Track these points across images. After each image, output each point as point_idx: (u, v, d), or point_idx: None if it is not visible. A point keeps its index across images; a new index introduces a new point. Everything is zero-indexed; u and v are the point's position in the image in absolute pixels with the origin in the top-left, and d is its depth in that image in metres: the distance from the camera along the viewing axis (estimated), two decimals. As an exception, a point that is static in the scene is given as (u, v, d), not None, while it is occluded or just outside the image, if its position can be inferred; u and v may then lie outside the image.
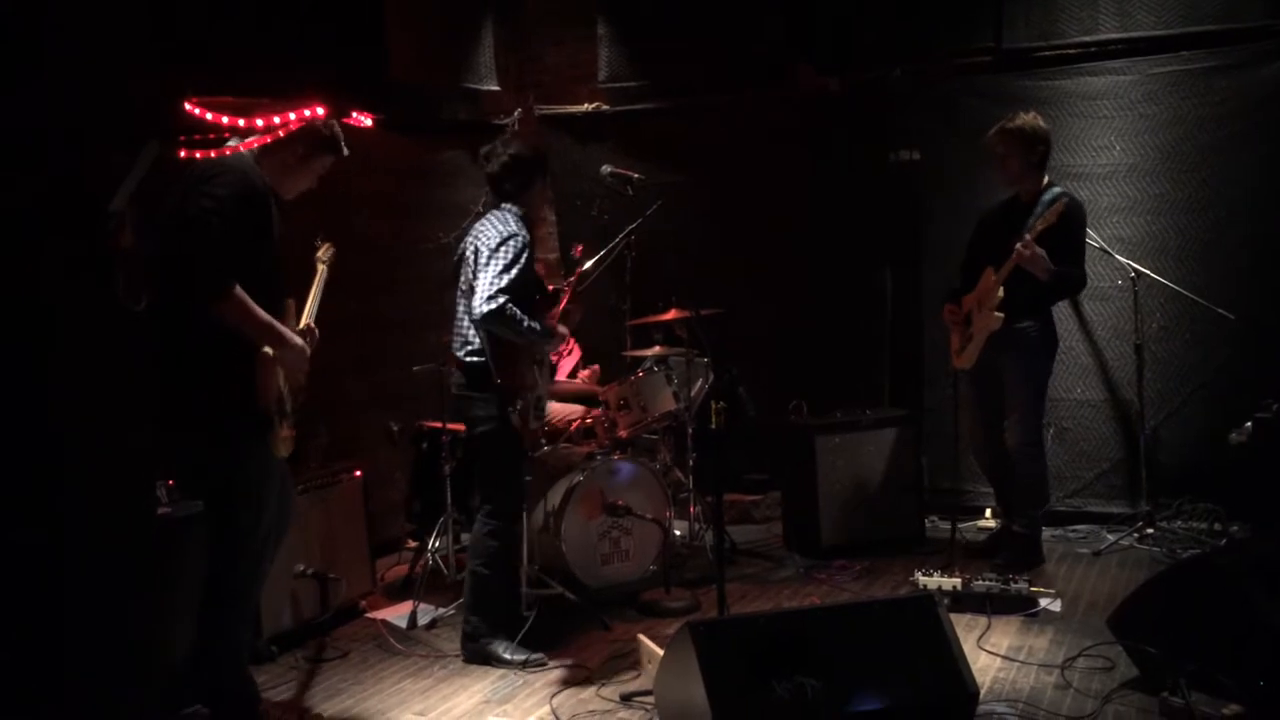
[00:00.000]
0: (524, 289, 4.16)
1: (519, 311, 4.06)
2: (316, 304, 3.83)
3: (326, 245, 4.07)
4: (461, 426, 5.02)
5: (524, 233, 4.18)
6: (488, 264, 4.05)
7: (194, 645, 3.47)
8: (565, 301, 4.49)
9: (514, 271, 4.05)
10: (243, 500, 3.44)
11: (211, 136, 3.14)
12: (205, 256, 3.21)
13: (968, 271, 5.27)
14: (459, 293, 4.28)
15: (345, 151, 3.68)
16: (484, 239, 4.14)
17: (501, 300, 3.99)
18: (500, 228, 4.15)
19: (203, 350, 3.31)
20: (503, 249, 4.06)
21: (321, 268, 4.00)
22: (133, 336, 3.10)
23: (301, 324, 3.70)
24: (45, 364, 2.82)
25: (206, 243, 3.20)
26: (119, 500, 3.05)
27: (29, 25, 2.70)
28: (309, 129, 3.50)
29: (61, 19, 2.73)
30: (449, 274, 4.41)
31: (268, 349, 3.39)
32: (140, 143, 2.81)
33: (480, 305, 3.99)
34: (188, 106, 2.88)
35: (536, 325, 4.15)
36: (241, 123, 3.11)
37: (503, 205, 4.29)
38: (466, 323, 4.21)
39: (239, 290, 3.27)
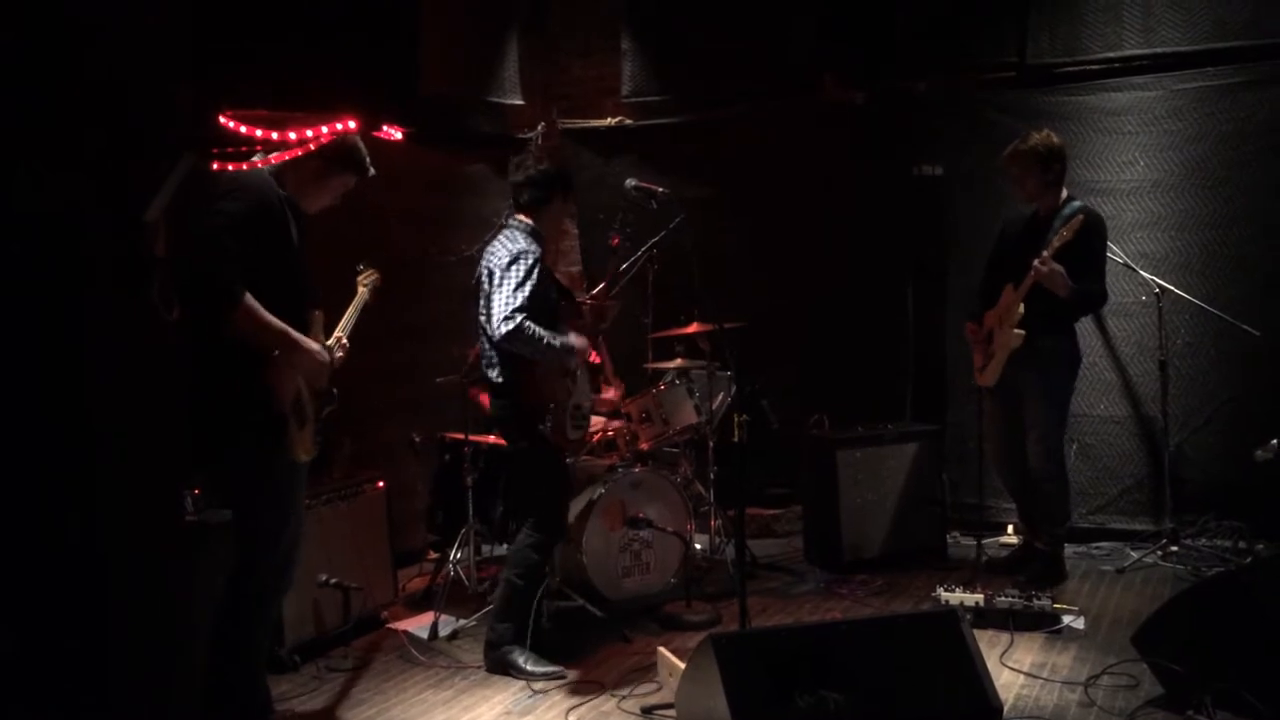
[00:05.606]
0: (542, 304, 4.17)
1: (538, 329, 4.07)
2: (352, 322, 3.93)
3: (370, 271, 4.14)
4: (487, 439, 5.09)
5: (534, 248, 4.19)
6: (500, 284, 4.08)
7: (209, 649, 3.49)
8: (589, 307, 4.52)
9: (527, 288, 4.07)
10: (262, 502, 3.50)
11: (244, 150, 3.19)
12: (216, 270, 3.27)
13: (988, 286, 5.27)
14: (481, 316, 4.30)
15: (370, 171, 3.73)
16: (494, 259, 4.17)
17: (519, 319, 4.02)
18: (510, 246, 4.17)
19: (221, 357, 3.38)
20: (514, 267, 4.09)
21: (362, 290, 4.08)
22: (166, 344, 3.14)
23: (332, 338, 3.78)
24: (80, 368, 2.86)
25: (218, 258, 3.27)
26: (149, 506, 3.08)
27: (70, 31, 2.75)
28: (332, 146, 3.54)
29: (102, 27, 2.78)
30: (470, 289, 4.44)
31: (279, 353, 3.44)
32: (176, 152, 2.85)
33: (498, 325, 4.03)
34: (222, 120, 2.93)
35: (556, 341, 4.15)
36: (275, 136, 3.15)
37: (513, 222, 4.31)
38: (489, 344, 4.24)
39: (249, 300, 3.32)
